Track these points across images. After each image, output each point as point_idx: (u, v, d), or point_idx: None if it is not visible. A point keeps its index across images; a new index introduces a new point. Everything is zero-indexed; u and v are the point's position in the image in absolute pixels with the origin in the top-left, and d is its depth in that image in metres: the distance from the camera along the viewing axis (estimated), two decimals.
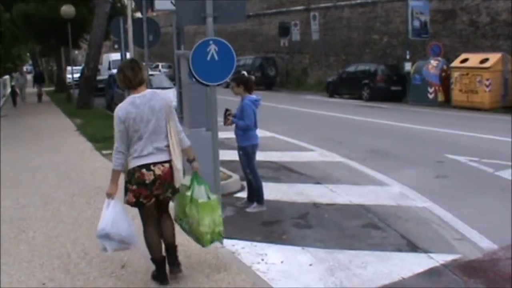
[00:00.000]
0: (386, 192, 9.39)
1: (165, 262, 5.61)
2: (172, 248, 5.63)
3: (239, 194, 9.42)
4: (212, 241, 5.67)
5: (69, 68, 34.49)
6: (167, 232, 5.64)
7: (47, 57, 52.58)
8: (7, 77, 33.09)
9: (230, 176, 10.01)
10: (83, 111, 23.56)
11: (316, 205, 8.75)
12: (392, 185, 9.81)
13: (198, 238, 5.69)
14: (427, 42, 25.12)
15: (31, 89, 35.42)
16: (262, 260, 6.45)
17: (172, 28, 9.83)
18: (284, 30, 35.86)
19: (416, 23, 24.81)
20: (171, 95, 7.03)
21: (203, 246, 5.72)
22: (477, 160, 11.29)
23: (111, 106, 24.97)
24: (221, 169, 9.87)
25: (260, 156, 8.88)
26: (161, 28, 22.56)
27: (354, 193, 9.35)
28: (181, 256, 5.97)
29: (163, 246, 5.62)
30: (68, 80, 34.79)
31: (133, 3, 14.00)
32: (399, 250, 6.73)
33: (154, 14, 41.63)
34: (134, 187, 5.35)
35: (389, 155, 12.47)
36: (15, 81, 32.74)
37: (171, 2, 9.49)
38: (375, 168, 11.07)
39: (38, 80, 33.39)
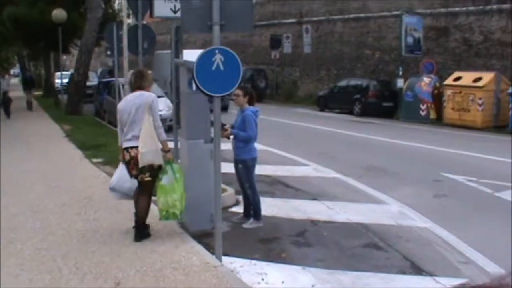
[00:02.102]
0: (385, 211, 9.18)
1: (144, 226, 7.21)
2: (136, 222, 7.17)
3: (234, 209, 9.19)
4: (167, 218, 7.12)
5: (57, 73, 33.85)
6: (138, 209, 7.17)
7: (36, 61, 52.09)
8: None
9: (225, 190, 9.72)
10: (72, 117, 23.15)
11: (314, 222, 8.53)
12: (390, 204, 9.61)
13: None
14: (420, 59, 25.03)
15: (16, 93, 33.41)
16: (263, 280, 6.23)
17: (171, 37, 9.57)
18: (276, 42, 35.70)
19: (410, 40, 24.72)
20: (153, 95, 7.19)
21: (159, 219, 7.23)
22: (475, 180, 11.11)
23: (100, 113, 24.65)
24: None
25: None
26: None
27: (352, 210, 9.13)
28: (179, 275, 5.73)
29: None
30: (56, 85, 34.29)
31: (129, 10, 13.74)
32: (403, 273, 6.53)
33: (144, 22, 41.41)
34: (121, 163, 7.32)
35: (385, 172, 12.27)
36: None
37: (171, 9, 9.27)
38: (371, 185, 10.86)
39: (28, 85, 30.35)
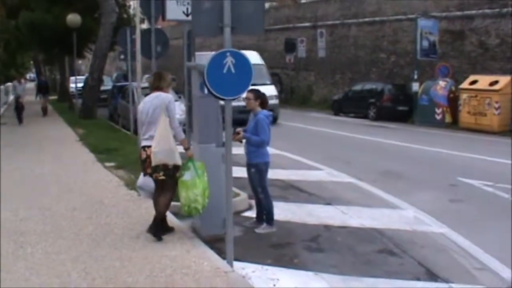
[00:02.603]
0: (399, 216, 9.04)
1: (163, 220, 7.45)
2: (156, 217, 7.31)
3: (247, 213, 9.09)
4: (189, 213, 7.23)
5: (72, 77, 33.94)
6: (159, 203, 7.32)
7: (51, 65, 52.38)
8: (9, 84, 31.91)
9: (238, 194, 9.65)
10: (86, 121, 23.21)
11: (327, 227, 8.41)
12: (405, 209, 9.47)
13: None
14: (435, 62, 24.83)
15: (30, 98, 32.78)
16: (274, 285, 6.13)
17: (183, 40, 9.52)
18: (290, 46, 35.60)
19: (425, 43, 24.53)
20: (170, 96, 7.40)
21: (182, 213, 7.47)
22: (491, 184, 10.93)
23: (114, 117, 24.68)
24: None
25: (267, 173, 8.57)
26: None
27: (366, 215, 9.00)
28: (190, 281, 5.66)
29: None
30: (71, 90, 34.41)
31: (142, 14, 13.71)
32: (418, 279, 6.40)
33: (159, 27, 41.50)
34: (140, 161, 7.52)
35: (400, 177, 12.12)
36: (12, 91, 28.59)
37: (183, 12, 9.22)
38: (386, 190, 10.72)
39: (43, 90, 29.81)
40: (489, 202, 9.91)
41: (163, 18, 9.69)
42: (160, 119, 7.07)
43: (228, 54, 5.87)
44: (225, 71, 5.85)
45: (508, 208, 9.23)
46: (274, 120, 21.72)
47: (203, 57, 21.36)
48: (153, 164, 7.10)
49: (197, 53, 21.38)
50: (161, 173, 7.16)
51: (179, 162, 7.18)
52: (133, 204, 9.17)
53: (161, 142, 7.01)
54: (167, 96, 7.28)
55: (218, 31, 5.92)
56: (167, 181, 7.24)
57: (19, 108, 24.66)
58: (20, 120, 24.28)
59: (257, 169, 8.08)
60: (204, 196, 7.08)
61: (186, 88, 9.14)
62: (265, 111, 8.05)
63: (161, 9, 10.67)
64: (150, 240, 7.25)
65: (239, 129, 8.06)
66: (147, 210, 8.62)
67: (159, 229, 7.31)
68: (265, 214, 8.24)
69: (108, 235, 7.54)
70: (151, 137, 7.19)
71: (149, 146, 7.18)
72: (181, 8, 9.21)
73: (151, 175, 7.32)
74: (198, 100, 7.82)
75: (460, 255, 7.22)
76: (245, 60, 5.94)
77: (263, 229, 8.12)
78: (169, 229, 7.52)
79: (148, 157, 7.19)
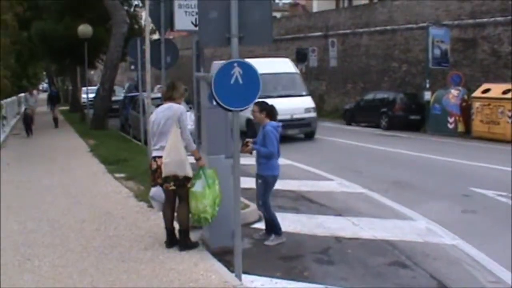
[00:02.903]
0: (411, 227, 8.90)
1: (171, 232, 7.44)
2: (180, 231, 7.35)
3: (256, 225, 8.98)
4: (199, 222, 7.20)
5: (84, 88, 34.06)
6: (177, 217, 7.41)
7: (63, 76, 52.64)
8: (22, 95, 31.93)
9: (247, 206, 9.55)
10: (97, 132, 23.21)
11: (338, 239, 8.29)
12: (417, 220, 9.33)
13: None
14: (447, 71, 24.66)
15: (42, 109, 33.06)
16: None
17: (192, 50, 9.46)
18: (302, 56, 35.49)
19: (437, 52, 24.37)
20: (182, 108, 7.37)
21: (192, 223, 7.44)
22: (505, 195, 10.76)
23: (125, 128, 24.69)
24: None
25: (278, 184, 8.45)
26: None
27: (377, 227, 8.87)
28: None
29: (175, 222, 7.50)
30: (83, 100, 34.51)
31: (151, 24, 13.68)
32: None
33: (171, 37, 41.59)
34: (150, 172, 7.48)
35: (412, 187, 11.98)
36: (24, 102, 27.55)
37: (192, 22, 9.16)
38: (398, 201, 10.59)
39: (53, 101, 29.48)
40: (503, 212, 9.72)
41: (172, 29, 9.64)
42: (172, 130, 7.08)
43: (235, 64, 5.80)
44: (232, 81, 5.78)
45: None
46: (311, 135, 21.31)
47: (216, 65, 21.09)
48: (163, 175, 7.11)
49: (215, 62, 20.96)
50: (172, 184, 7.17)
51: (190, 173, 7.15)
52: (142, 216, 9.10)
53: (171, 153, 7.03)
54: (179, 107, 7.28)
55: (225, 42, 5.85)
56: (179, 192, 7.25)
57: (27, 120, 24.16)
58: (28, 132, 23.70)
59: (264, 181, 7.99)
60: (214, 206, 7.04)
61: (195, 99, 9.07)
62: (273, 123, 7.95)
63: (169, 20, 10.64)
64: (158, 252, 7.18)
65: (248, 140, 7.99)
66: (155, 222, 8.56)
67: (183, 243, 7.33)
68: (270, 226, 8.14)
69: (116, 248, 7.47)
70: (162, 148, 7.18)
71: (160, 157, 7.18)
72: (190, 18, 9.17)
73: (161, 186, 7.29)
74: (206, 110, 7.74)
75: (473, 267, 7.09)
76: (253, 70, 5.86)
77: (272, 241, 8.01)
78: (193, 245, 7.46)
79: (159, 167, 7.18)
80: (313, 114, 21.19)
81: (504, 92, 20.73)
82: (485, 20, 24.69)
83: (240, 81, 5.79)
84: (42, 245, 7.71)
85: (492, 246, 7.81)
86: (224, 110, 6.01)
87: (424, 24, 25.82)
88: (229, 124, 7.35)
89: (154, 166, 7.30)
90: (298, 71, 23.64)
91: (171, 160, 7.02)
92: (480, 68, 24.87)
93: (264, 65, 18.04)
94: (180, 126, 7.14)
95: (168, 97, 7.46)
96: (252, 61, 19.20)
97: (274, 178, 8.04)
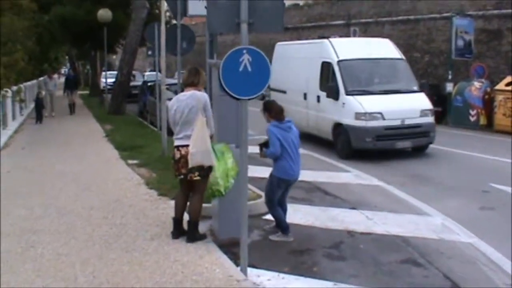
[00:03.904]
0: (426, 223, 8.64)
1: (179, 223, 7.29)
2: (190, 222, 7.18)
3: (268, 216, 8.75)
4: (213, 196, 7.03)
5: (103, 72, 34.02)
6: (190, 207, 7.26)
7: (83, 60, 52.74)
8: (41, 79, 31.77)
9: (259, 196, 9.35)
10: (114, 117, 23.13)
11: (350, 233, 8.07)
12: (433, 215, 9.06)
13: None
14: (470, 62, 24.18)
15: (60, 93, 30.72)
16: None
17: (206, 36, 9.25)
18: None
19: (460, 43, 23.87)
20: (206, 95, 7.23)
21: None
22: None
23: (143, 114, 24.57)
24: (250, 187, 9.25)
25: None
26: (198, 36, 22.10)
27: (392, 222, 8.63)
28: None
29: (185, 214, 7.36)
30: (102, 85, 34.48)
31: (168, 9, 13.49)
32: None
33: (193, 22, 41.38)
34: (172, 161, 7.29)
35: (429, 181, 11.68)
36: (42, 85, 25.30)
37: (206, 7, 8.92)
38: (414, 195, 10.32)
39: (70, 85, 26.85)
40: None
41: (185, 14, 9.42)
42: (196, 118, 6.90)
43: (244, 51, 5.58)
44: (241, 69, 5.56)
45: None
46: (427, 145, 15.15)
47: (286, 47, 19.00)
48: (190, 165, 6.89)
49: (279, 43, 19.27)
50: (196, 174, 6.98)
51: (215, 163, 6.94)
52: (151, 204, 8.94)
53: (198, 143, 6.84)
54: (203, 95, 7.12)
55: (234, 28, 5.62)
56: (199, 183, 7.06)
57: (39, 105, 23.01)
58: (38, 118, 22.70)
59: (270, 179, 7.76)
60: (226, 178, 6.87)
61: (208, 86, 8.86)
62: (274, 122, 7.61)
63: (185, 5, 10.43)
64: (164, 243, 7.02)
65: (261, 144, 7.82)
66: (164, 211, 8.43)
67: (195, 234, 7.19)
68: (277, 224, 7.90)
69: (122, 237, 7.32)
70: (186, 137, 6.99)
71: (183, 146, 6.98)
72: (204, 3, 8.92)
73: (185, 176, 7.06)
74: (218, 98, 7.53)
75: (489, 268, 6.82)
76: (262, 58, 5.64)
77: (277, 236, 7.78)
78: (202, 236, 7.27)
79: (183, 156, 6.98)
80: (430, 119, 14.91)
81: None
82: (510, 10, 24.14)
83: (249, 68, 5.57)
84: (47, 232, 7.59)
85: (509, 245, 7.51)
86: (232, 98, 5.78)
87: (448, 14, 25.29)
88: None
89: (178, 155, 7.08)
90: (403, 56, 17.09)
91: (198, 151, 6.82)
92: (504, 60, 24.34)
93: (356, 47, 16.30)
94: (206, 115, 7.00)
95: (189, 83, 7.23)
96: (341, 42, 16.18)
97: (279, 181, 7.67)
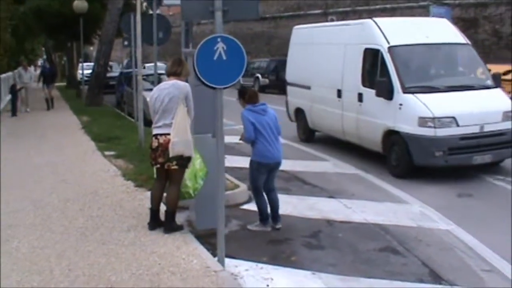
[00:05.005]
0: (405, 211, 8.66)
1: (156, 214, 7.22)
2: (167, 212, 7.12)
3: (246, 206, 8.74)
4: (183, 198, 7.13)
5: (80, 64, 33.68)
6: (167, 198, 7.23)
7: (60, 52, 52.21)
8: (16, 70, 31.22)
9: (237, 186, 9.32)
10: (91, 109, 22.86)
11: (329, 222, 8.07)
12: (412, 203, 9.08)
13: None
14: None
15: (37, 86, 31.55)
16: (267, 286, 5.78)
17: (181, 24, 9.15)
18: None
19: None
20: (188, 86, 7.09)
21: None
22: (502, 178, 10.50)
23: (120, 105, 24.37)
24: (228, 177, 9.23)
25: None
26: (176, 26, 21.93)
27: (370, 210, 8.62)
28: (176, 280, 5.34)
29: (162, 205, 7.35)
30: (79, 76, 34.14)
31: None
32: (421, 281, 6.05)
33: (170, 13, 41.09)
34: (150, 150, 7.14)
35: None
36: (16, 77, 23.56)
37: None
38: (392, 183, 10.33)
39: (47, 79, 24.87)
40: (500, 197, 9.46)
41: (160, 3, 9.31)
42: (177, 108, 6.85)
43: (219, 39, 5.51)
44: (215, 58, 5.49)
45: None
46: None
47: (309, 31, 15.40)
48: (171, 155, 6.80)
49: (296, 27, 15.96)
50: (174, 163, 6.88)
51: (193, 154, 6.93)
52: (128, 196, 8.86)
53: (180, 132, 6.79)
54: (185, 85, 7.03)
55: (208, 15, 5.55)
56: (177, 172, 6.94)
57: (15, 97, 22.37)
58: (14, 111, 21.99)
59: (250, 165, 7.71)
60: (195, 179, 6.88)
61: None
62: (249, 106, 7.57)
63: None
64: (140, 235, 6.97)
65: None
66: (141, 202, 8.37)
67: (172, 225, 7.14)
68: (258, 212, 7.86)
69: (98, 229, 7.25)
70: (164, 125, 6.91)
71: (162, 134, 6.90)
72: None
73: (162, 165, 6.97)
74: (193, 88, 7.45)
75: (467, 255, 6.84)
76: (237, 46, 5.58)
77: (255, 226, 7.74)
78: (179, 227, 7.22)
79: (160, 145, 6.89)
80: (508, 124, 10.94)
81: (505, 73, 20.39)
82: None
83: (224, 57, 5.50)
84: (23, 225, 7.49)
85: (487, 232, 7.54)
86: (207, 87, 5.71)
87: (425, 3, 25.46)
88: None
89: (156, 144, 6.97)
90: (467, 40, 12.84)
91: (179, 140, 6.77)
92: (481, 49, 24.47)
93: (410, 29, 12.19)
94: (186, 105, 6.93)
95: (172, 72, 7.16)
96: (390, 22, 12.50)
97: (259, 165, 7.60)
